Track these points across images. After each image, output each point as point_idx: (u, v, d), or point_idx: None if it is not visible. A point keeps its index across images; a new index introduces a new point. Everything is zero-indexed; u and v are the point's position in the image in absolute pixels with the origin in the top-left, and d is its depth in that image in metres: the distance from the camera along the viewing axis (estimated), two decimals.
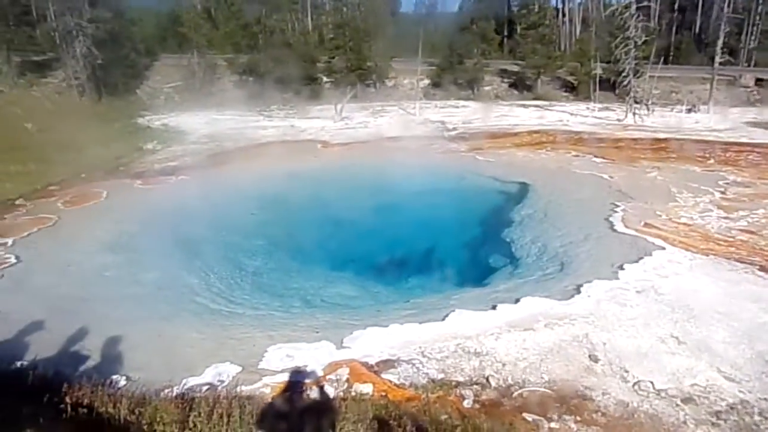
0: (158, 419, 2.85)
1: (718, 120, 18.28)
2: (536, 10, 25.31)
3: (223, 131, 18.19)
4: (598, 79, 21.97)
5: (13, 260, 7.74)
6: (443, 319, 6.24)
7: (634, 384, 4.84)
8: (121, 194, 11.42)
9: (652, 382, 4.83)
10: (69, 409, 2.56)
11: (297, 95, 23.00)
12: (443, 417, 4.04)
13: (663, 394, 4.66)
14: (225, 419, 2.94)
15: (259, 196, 12.67)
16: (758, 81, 21.78)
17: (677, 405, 4.51)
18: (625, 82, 18.60)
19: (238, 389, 4.37)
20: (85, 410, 2.62)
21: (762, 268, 6.94)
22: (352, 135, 17.88)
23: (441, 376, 5.02)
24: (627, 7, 17.41)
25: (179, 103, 22.13)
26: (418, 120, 20.09)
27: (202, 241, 9.81)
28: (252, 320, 6.56)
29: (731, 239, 7.96)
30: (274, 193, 12.96)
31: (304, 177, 14.08)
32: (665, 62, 23.29)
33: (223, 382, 4.83)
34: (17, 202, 10.39)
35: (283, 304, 7.67)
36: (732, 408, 4.43)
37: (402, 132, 17.80)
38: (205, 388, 4.66)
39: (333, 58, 24.54)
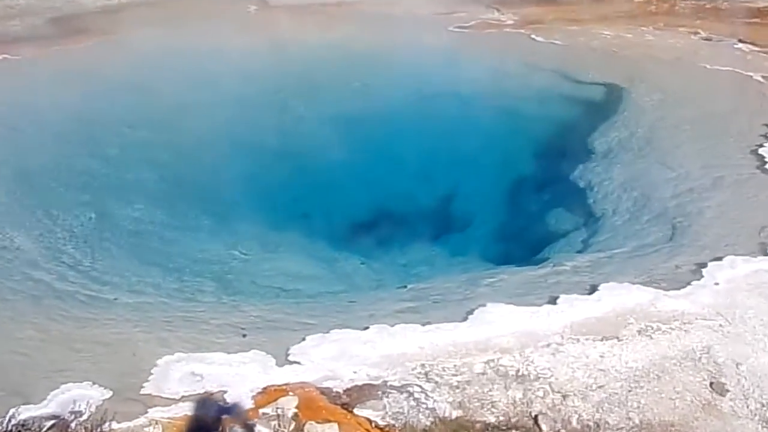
0: None
1: None
2: None
3: None
4: None
5: None
6: (464, 319, 6.21)
7: None
8: None
9: None
10: None
11: None
12: None
13: None
14: None
15: (142, 96, 12.38)
16: None
17: None
18: None
19: (106, 429, 4.48)
20: None
21: None
22: None
23: (457, 413, 4.99)
24: None
25: None
26: None
27: (42, 172, 9.61)
28: (130, 312, 6.54)
29: None
30: (170, 93, 12.69)
31: (223, 65, 13.71)
32: None
33: (79, 415, 4.82)
34: None
35: (185, 285, 7.74)
36: None
37: None
38: (47, 425, 4.68)
39: None
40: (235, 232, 9.65)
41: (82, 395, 5.04)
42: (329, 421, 4.77)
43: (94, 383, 5.18)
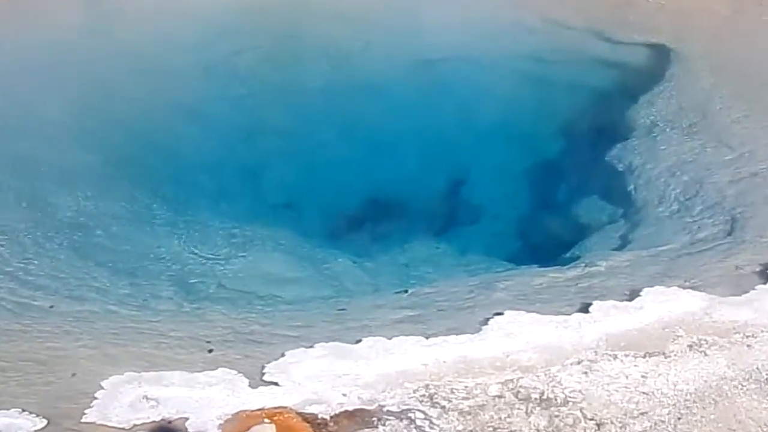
0: None
1: None
2: None
3: None
4: None
5: None
6: (477, 330, 6.22)
7: None
8: None
9: None
10: None
11: None
12: None
13: None
14: None
15: (85, 58, 12.47)
16: None
17: None
18: None
19: None
20: None
21: None
22: None
23: None
24: None
25: None
26: None
27: None
28: (70, 322, 6.54)
29: None
30: (120, 53, 12.80)
31: (187, 21, 13.81)
32: None
33: None
34: None
35: (137, 290, 7.81)
36: None
37: None
38: None
39: None
40: (200, 225, 9.72)
41: (9, 425, 5.01)
42: None
43: (24, 410, 5.17)
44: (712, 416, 5.31)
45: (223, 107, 12.41)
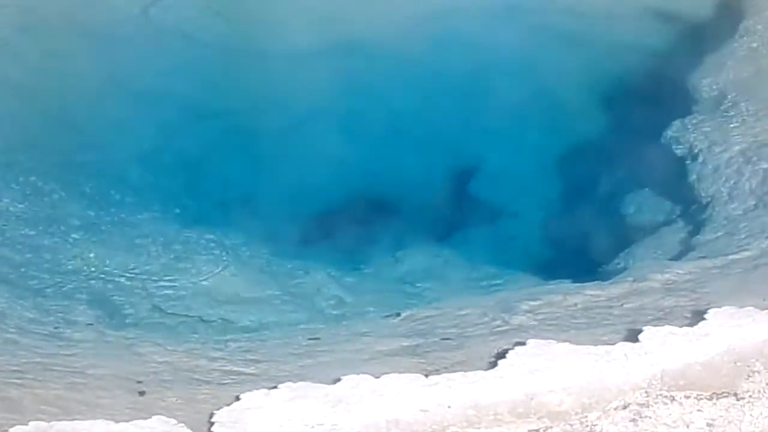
0: None
1: None
2: None
3: None
4: None
5: None
6: (492, 365, 6.26)
7: None
8: None
9: None
10: None
11: None
12: None
13: None
14: None
15: None
16: None
17: None
18: None
19: None
20: None
21: None
22: None
23: None
24: None
25: None
26: None
27: None
28: None
29: None
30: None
31: None
32: None
33: None
34: None
35: (46, 313, 7.78)
36: None
37: None
38: None
39: None
40: (128, 228, 9.84)
41: None
42: None
43: None
44: None
45: (163, 77, 12.44)
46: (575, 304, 7.49)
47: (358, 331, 7.50)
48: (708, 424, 5.68)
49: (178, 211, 10.62)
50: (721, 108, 10.94)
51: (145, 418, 5.64)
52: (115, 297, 8.68)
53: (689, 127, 10.84)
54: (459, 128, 12.34)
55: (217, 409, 5.76)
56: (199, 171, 11.81)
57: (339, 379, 6.08)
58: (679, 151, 10.53)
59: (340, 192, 11.67)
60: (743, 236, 8.44)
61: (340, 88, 12.58)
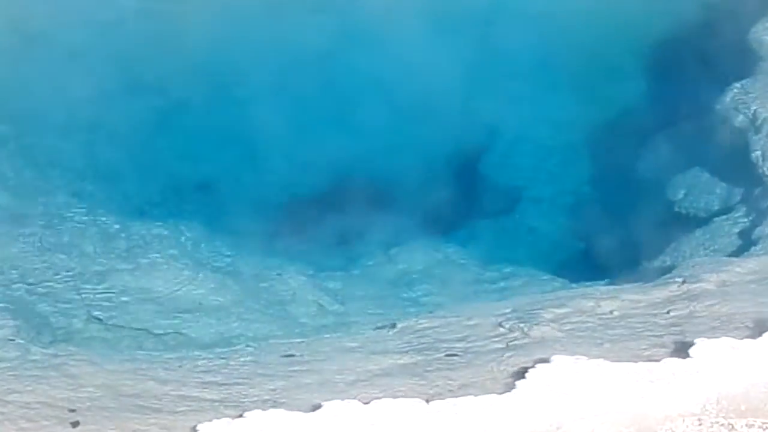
0: None
1: None
2: None
3: None
4: None
5: None
6: (509, 387, 6.27)
7: None
8: None
9: None
10: None
11: None
12: None
13: None
14: None
15: None
16: None
17: None
18: None
19: None
20: None
21: None
22: None
23: None
24: None
25: None
26: None
27: None
28: None
29: None
30: None
31: None
32: None
33: None
34: None
35: None
36: None
37: None
38: None
39: None
40: (58, 220, 9.78)
41: None
42: None
43: None
44: None
45: (95, 36, 12.37)
46: (610, 312, 7.47)
47: (343, 346, 7.48)
48: None
49: (120, 198, 10.54)
50: None
51: None
52: (41, 306, 8.59)
53: (752, 92, 10.84)
54: (462, 96, 12.28)
55: None
56: (143, 146, 11.65)
57: (319, 406, 6.00)
58: (738, 121, 10.52)
59: (321, 176, 11.56)
60: None
61: (317, 42, 12.60)
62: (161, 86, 12.36)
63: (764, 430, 5.94)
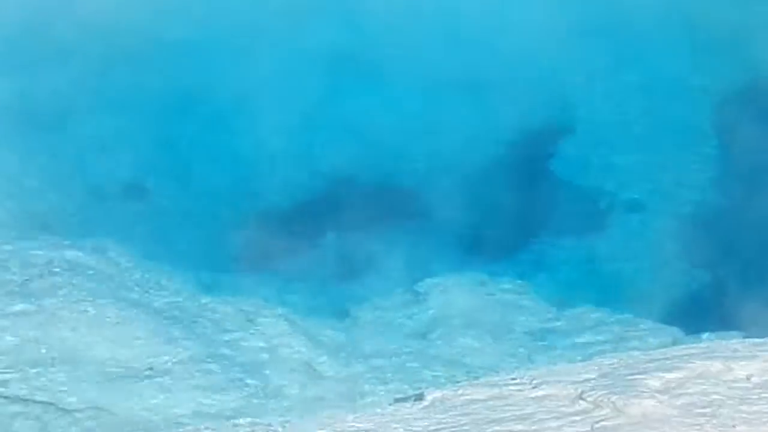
0: None
1: None
2: None
3: None
4: None
5: None
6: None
7: None
8: None
9: None
10: None
11: None
12: None
13: None
14: None
15: None
16: None
17: None
18: None
19: None
20: None
21: None
22: None
23: None
24: None
25: None
26: None
27: None
28: None
29: None
30: None
31: None
32: None
33: None
34: None
35: None
36: None
37: None
38: None
39: None
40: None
41: None
42: None
43: None
44: None
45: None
46: (746, 377, 7.41)
47: (346, 426, 7.46)
48: None
49: (16, 208, 10.63)
50: None
51: None
52: None
53: None
54: (481, 84, 12.42)
55: None
56: (74, 142, 11.81)
57: None
58: None
59: (314, 176, 11.66)
60: None
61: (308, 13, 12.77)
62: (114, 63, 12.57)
63: None
